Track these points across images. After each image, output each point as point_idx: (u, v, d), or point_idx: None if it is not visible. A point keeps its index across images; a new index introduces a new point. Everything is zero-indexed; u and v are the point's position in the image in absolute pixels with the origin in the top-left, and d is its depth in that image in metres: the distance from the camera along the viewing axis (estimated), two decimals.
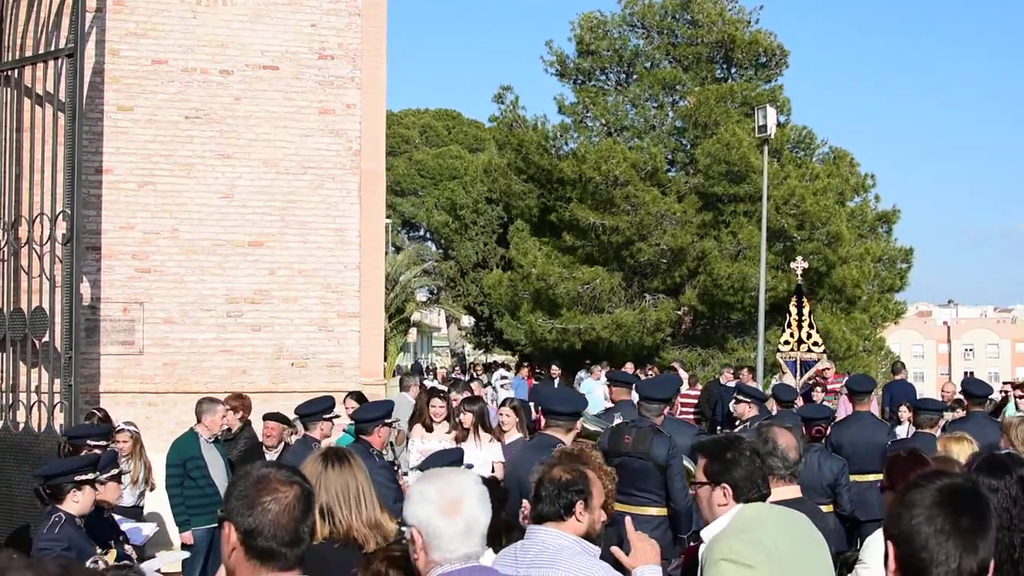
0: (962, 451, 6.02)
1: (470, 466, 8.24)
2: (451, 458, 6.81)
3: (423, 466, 7.04)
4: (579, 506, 4.11)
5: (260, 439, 10.53)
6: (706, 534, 4.14)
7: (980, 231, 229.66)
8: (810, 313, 19.66)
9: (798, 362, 19.05)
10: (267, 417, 10.60)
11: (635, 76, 31.57)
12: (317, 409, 9.03)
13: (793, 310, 19.63)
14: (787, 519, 4.17)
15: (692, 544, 5.13)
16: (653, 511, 7.66)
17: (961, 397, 12.75)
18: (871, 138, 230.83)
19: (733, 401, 11.53)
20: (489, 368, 31.36)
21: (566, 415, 7.02)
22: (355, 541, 4.40)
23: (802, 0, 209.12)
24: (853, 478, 9.85)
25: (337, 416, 9.62)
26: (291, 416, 10.46)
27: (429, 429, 10.41)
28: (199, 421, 9.89)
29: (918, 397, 13.36)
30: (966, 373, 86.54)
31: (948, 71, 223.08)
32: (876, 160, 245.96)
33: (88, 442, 7.99)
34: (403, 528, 3.33)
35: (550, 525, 4.10)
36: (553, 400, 7.34)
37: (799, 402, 13.47)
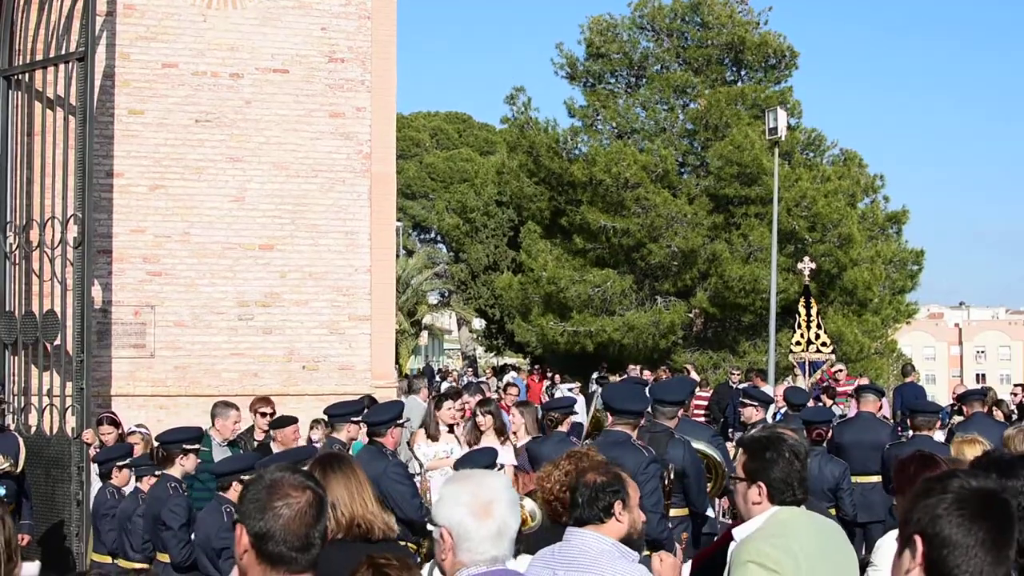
0: (974, 452, 5.99)
1: (501, 467, 8.24)
2: (485, 460, 6.78)
3: (457, 465, 7.02)
4: (618, 506, 4.13)
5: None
6: (738, 533, 4.08)
7: (990, 232, 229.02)
8: (818, 314, 19.62)
9: (807, 363, 19.04)
10: (278, 424, 9.98)
11: (645, 79, 31.52)
12: (347, 411, 8.98)
13: (802, 311, 19.62)
14: (819, 527, 4.11)
15: (724, 532, 5.08)
16: (673, 512, 7.67)
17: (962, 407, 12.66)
18: (879, 138, 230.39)
19: (740, 404, 11.46)
20: (499, 371, 31.28)
21: (631, 413, 7.04)
22: (359, 528, 4.40)
23: (811, 1, 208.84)
24: (855, 478, 9.76)
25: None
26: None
27: (434, 438, 10.26)
28: (212, 424, 9.88)
29: (927, 399, 13.30)
30: (978, 375, 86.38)
31: (958, 70, 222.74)
32: (884, 160, 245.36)
33: (184, 446, 7.95)
34: (432, 528, 3.34)
35: (590, 528, 4.10)
36: (617, 398, 7.35)
37: (811, 405, 13.40)
